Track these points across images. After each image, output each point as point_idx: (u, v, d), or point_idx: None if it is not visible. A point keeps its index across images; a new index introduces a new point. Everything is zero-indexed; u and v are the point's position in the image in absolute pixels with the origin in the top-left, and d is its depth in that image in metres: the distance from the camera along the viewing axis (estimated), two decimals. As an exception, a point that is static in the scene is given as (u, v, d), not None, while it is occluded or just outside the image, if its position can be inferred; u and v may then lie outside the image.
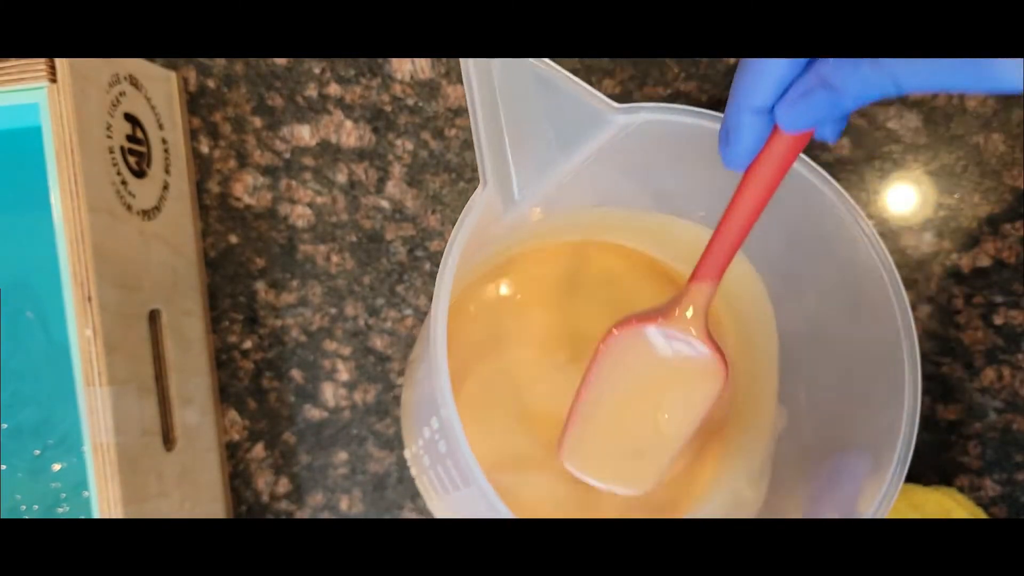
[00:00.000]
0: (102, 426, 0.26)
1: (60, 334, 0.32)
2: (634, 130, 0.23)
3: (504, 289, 0.31)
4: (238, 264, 0.34)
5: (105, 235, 0.27)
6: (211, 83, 0.34)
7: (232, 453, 0.34)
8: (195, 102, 0.34)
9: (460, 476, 0.22)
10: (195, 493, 0.31)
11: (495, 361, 0.31)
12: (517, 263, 0.31)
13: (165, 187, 0.31)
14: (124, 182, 0.28)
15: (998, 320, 0.32)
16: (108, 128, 0.28)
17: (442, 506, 0.27)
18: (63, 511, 0.32)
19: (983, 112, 0.32)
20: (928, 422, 0.32)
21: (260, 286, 0.34)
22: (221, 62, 0.33)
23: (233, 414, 0.34)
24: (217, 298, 0.34)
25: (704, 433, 0.31)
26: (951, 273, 0.32)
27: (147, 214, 0.30)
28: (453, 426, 0.20)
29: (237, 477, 0.34)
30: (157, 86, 0.31)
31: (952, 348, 0.32)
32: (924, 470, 0.32)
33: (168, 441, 0.30)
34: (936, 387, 0.32)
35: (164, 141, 0.32)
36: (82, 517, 0.32)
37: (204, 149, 0.34)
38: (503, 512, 0.20)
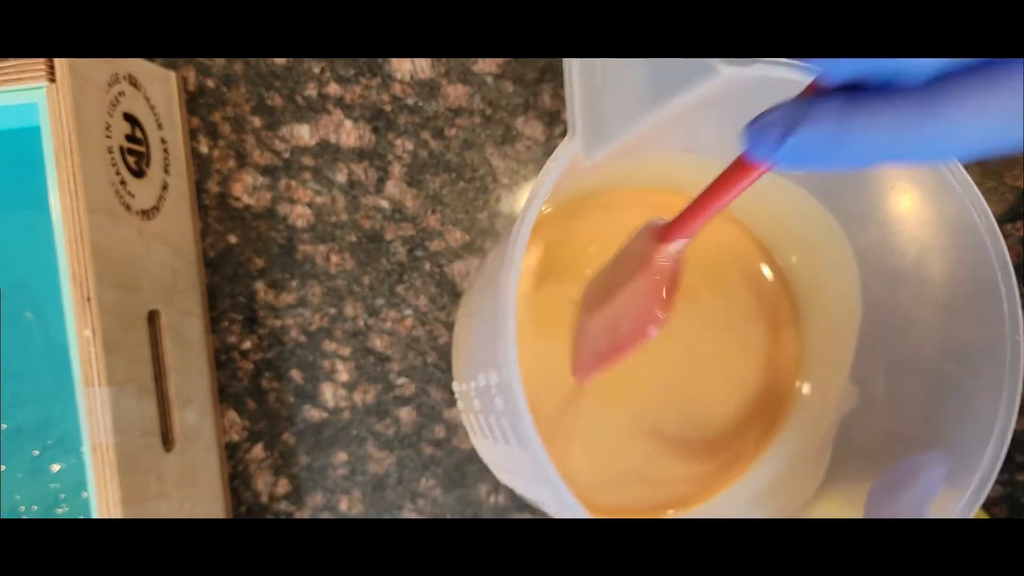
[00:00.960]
0: (101, 426, 0.26)
1: (59, 334, 0.32)
2: (744, 83, 0.21)
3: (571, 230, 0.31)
4: (237, 264, 0.34)
5: (104, 235, 0.27)
6: (210, 83, 0.34)
7: (232, 454, 0.34)
8: (194, 102, 0.34)
9: (516, 439, 0.21)
10: (195, 494, 0.31)
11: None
12: (596, 199, 0.31)
13: (164, 187, 0.31)
14: (123, 182, 0.28)
15: (998, 320, 0.32)
16: (107, 128, 0.28)
17: (487, 448, 0.27)
18: (62, 511, 0.32)
19: (983, 112, 0.32)
20: (928, 422, 0.32)
21: (259, 286, 0.34)
22: (220, 62, 0.33)
23: (233, 414, 0.34)
24: (216, 298, 0.34)
25: (767, 399, 0.31)
26: (951, 273, 0.32)
27: (146, 214, 0.30)
28: (516, 397, 0.19)
29: (237, 478, 0.34)
30: (156, 86, 0.31)
31: (952, 348, 0.32)
32: (924, 470, 0.32)
33: (167, 442, 0.30)
34: (936, 387, 0.32)
35: (163, 141, 0.32)
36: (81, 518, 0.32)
37: (203, 149, 0.34)
38: (563, 493, 0.19)
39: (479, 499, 0.34)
